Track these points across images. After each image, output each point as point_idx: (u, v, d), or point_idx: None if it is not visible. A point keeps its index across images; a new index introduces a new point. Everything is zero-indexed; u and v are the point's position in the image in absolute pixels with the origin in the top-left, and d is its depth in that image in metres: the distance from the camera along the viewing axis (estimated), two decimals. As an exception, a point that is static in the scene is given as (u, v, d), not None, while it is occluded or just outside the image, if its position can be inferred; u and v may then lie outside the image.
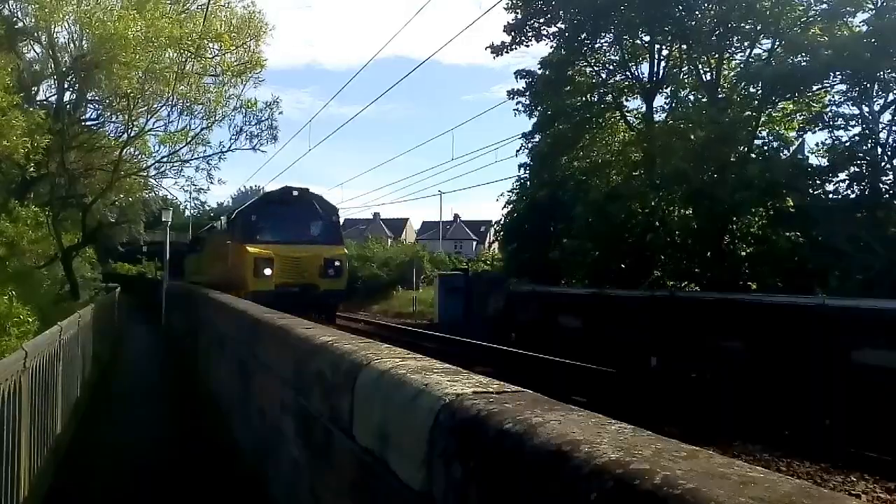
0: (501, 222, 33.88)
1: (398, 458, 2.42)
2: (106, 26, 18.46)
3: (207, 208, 44.28)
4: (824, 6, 19.56)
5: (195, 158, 25.42)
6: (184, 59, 21.75)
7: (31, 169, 19.77)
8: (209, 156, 25.73)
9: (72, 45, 22.28)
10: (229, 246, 19.19)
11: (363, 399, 2.88)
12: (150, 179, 27.06)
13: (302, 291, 17.08)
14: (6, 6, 20.99)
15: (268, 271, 17.07)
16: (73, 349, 8.83)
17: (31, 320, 13.23)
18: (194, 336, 13.64)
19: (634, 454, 1.47)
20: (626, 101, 25.85)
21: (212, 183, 28.45)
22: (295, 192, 18.77)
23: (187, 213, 53.16)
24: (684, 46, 22.37)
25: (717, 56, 21.68)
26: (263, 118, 25.54)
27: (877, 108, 18.79)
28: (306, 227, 18.99)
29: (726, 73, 22.53)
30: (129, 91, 19.91)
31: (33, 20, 21.21)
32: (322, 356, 3.70)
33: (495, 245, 49.20)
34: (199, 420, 9.31)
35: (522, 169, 30.12)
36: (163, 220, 29.25)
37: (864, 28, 18.60)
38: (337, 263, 18.09)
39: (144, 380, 13.96)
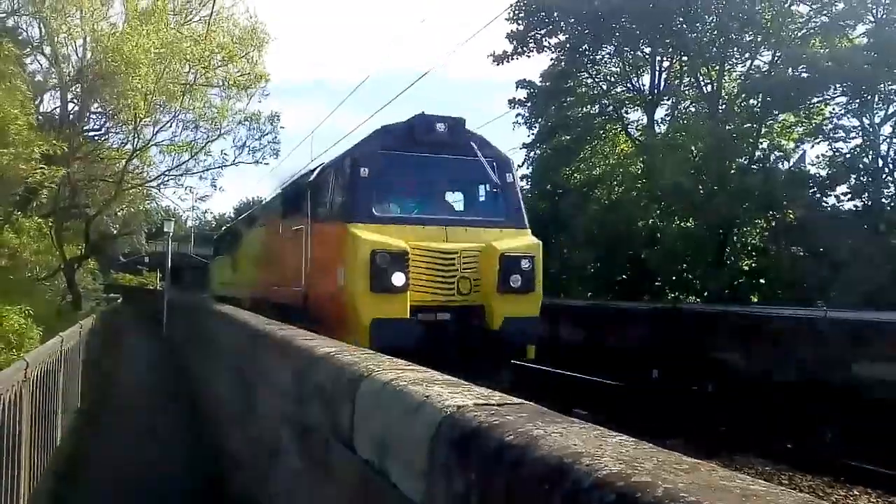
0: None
1: (399, 471, 2.41)
2: (122, 49, 18.24)
3: (210, 217, 44.44)
4: (824, 18, 19.67)
5: (199, 171, 25.56)
6: (188, 72, 21.86)
7: (44, 195, 19.89)
8: (213, 168, 25.88)
9: (74, 55, 22.41)
10: (304, 233, 10.92)
11: (364, 411, 2.88)
12: (153, 190, 27.17)
13: (458, 320, 9.35)
14: (11, 19, 21.14)
15: (399, 279, 8.82)
16: (74, 360, 8.82)
17: (35, 333, 13.25)
18: (195, 347, 13.64)
19: (636, 467, 1.47)
20: (627, 112, 25.97)
21: (215, 189, 28.56)
22: (440, 126, 9.99)
23: (189, 223, 53.35)
24: (685, 58, 22.49)
25: (717, 68, 21.77)
26: (266, 132, 25.81)
27: (877, 120, 18.88)
28: (463, 193, 11.16)
29: (727, 84, 22.63)
30: (135, 108, 19.96)
31: (38, 32, 21.39)
32: (322, 368, 3.70)
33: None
34: (199, 431, 9.30)
35: (524, 181, 30.19)
36: (164, 230, 29.31)
37: (865, 40, 18.69)
38: (525, 265, 9.57)
39: (144, 390, 13.93)
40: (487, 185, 10.56)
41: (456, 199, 11.14)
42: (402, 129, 10.14)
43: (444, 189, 10.77)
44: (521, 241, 10.02)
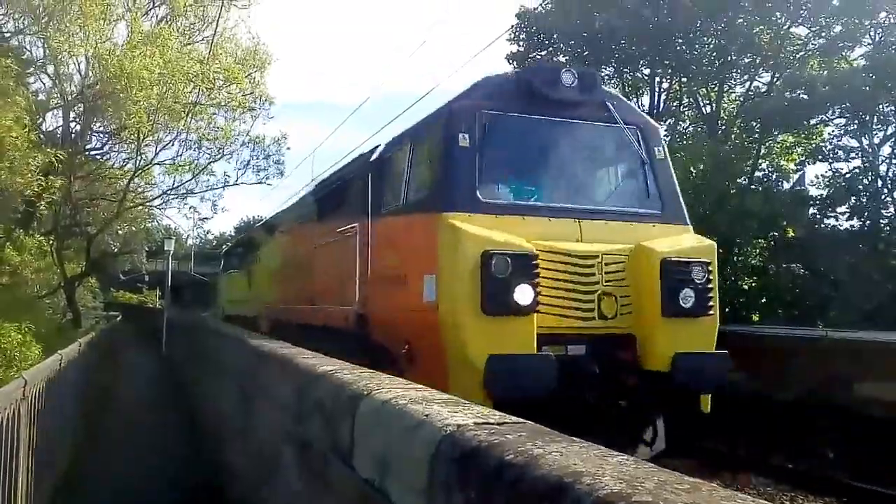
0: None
1: (398, 489, 2.40)
2: (126, 66, 18.29)
3: (210, 236, 44.58)
4: (822, 40, 19.82)
5: (202, 191, 25.66)
6: (190, 91, 21.98)
7: (42, 206, 19.92)
8: (216, 188, 25.98)
9: (77, 75, 22.55)
10: (361, 232, 8.49)
11: (364, 429, 2.88)
12: (155, 209, 27.23)
13: (597, 356, 6.66)
14: (16, 38, 21.30)
15: (525, 295, 6.14)
16: (74, 378, 8.80)
17: (35, 350, 13.23)
18: (194, 365, 13.60)
19: (636, 487, 1.47)
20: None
21: (215, 211, 28.59)
22: (569, 78, 7.30)
23: (189, 241, 53.45)
24: (684, 79, 22.62)
25: (716, 89, 21.91)
26: (271, 153, 25.97)
27: (876, 141, 18.98)
28: (600, 172, 8.07)
29: (726, 105, 22.76)
30: (138, 126, 20.04)
31: (42, 52, 21.54)
32: (323, 386, 3.69)
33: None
34: (198, 446, 9.26)
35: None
36: (165, 249, 29.33)
37: (863, 62, 18.84)
38: (698, 275, 6.91)
39: (143, 408, 13.87)
40: (633, 163, 7.68)
41: (590, 181, 7.81)
42: (514, 82, 7.48)
43: (574, 166, 7.60)
44: (687, 240, 7.23)
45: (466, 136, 6.83)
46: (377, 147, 9.07)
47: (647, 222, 7.28)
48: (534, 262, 6.20)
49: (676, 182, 7.90)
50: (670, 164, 7.92)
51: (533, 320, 6.15)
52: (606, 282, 6.65)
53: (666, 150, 7.89)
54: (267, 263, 15.20)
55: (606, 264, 6.68)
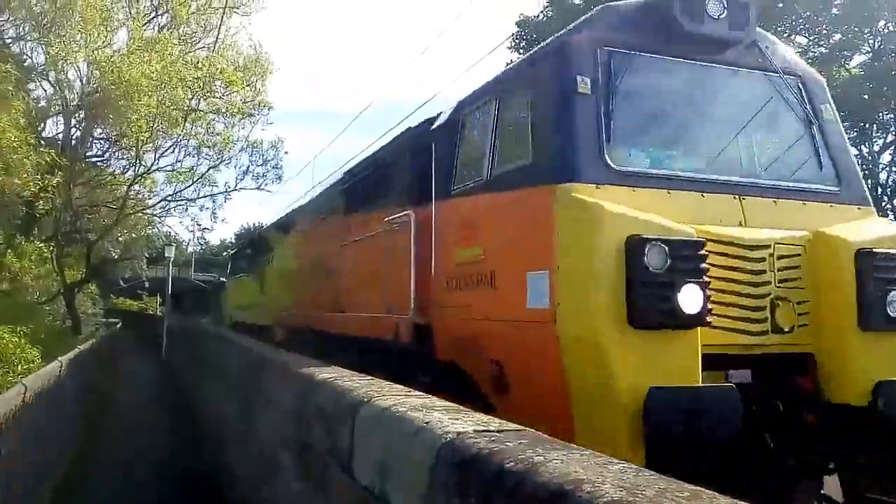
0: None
1: (398, 495, 2.40)
2: (124, 73, 18.28)
3: (211, 245, 44.57)
4: (822, 49, 19.89)
5: (202, 197, 25.70)
6: (191, 98, 22.03)
7: (40, 206, 19.89)
8: (215, 195, 26.02)
9: (78, 82, 22.60)
10: (421, 220, 6.55)
11: (364, 436, 2.87)
12: (155, 217, 27.26)
13: (767, 383, 4.82)
14: (17, 45, 21.36)
15: (691, 300, 4.12)
16: (73, 383, 8.80)
17: (35, 359, 13.22)
18: (195, 370, 13.58)
19: (637, 494, 1.47)
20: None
21: (215, 221, 28.55)
22: (716, 6, 5.15)
23: (190, 248, 53.51)
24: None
25: (717, 97, 21.98)
26: (269, 158, 26.04)
27: (876, 148, 19.02)
28: (759, 134, 5.82)
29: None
30: (138, 133, 20.05)
31: (43, 58, 21.57)
32: (324, 392, 3.69)
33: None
34: (198, 451, 9.24)
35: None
36: (165, 255, 29.33)
37: (862, 71, 18.91)
38: None
39: (143, 412, 13.87)
40: (796, 123, 5.75)
41: (747, 146, 5.84)
42: (644, 10, 5.39)
43: (726, 126, 5.61)
44: (880, 227, 5.42)
45: (587, 79, 4.97)
46: (440, 114, 7.05)
47: (823, 202, 5.38)
48: (701, 254, 4.38)
49: (851, 150, 6.09)
50: (841, 126, 6.06)
51: (697, 336, 4.31)
52: (780, 282, 4.78)
53: (835, 109, 6.00)
54: (283, 265, 13.65)
55: (779, 258, 4.80)
